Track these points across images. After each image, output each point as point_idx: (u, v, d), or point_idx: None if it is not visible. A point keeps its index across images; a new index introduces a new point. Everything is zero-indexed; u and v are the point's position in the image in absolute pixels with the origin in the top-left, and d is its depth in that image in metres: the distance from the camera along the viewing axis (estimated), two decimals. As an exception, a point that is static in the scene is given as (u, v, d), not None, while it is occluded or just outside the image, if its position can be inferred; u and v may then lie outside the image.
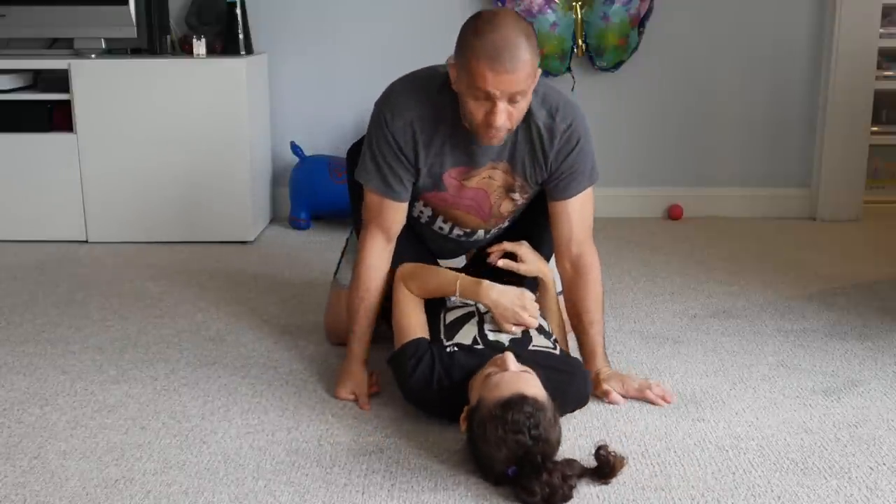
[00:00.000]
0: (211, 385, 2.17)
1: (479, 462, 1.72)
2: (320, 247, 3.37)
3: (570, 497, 1.63)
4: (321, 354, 2.35)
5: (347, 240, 2.49)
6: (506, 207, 2.17)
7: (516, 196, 2.15)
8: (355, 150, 2.30)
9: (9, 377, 2.22)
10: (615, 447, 1.77)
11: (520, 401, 1.66)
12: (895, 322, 2.57)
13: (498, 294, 2.00)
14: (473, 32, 1.86)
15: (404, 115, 2.02)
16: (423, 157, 2.05)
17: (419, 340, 1.97)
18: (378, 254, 2.12)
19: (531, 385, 1.73)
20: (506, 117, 1.88)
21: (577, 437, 1.89)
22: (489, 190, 2.12)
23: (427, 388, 1.90)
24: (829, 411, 2.02)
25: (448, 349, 1.94)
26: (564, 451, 1.73)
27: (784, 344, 2.42)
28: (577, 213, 2.13)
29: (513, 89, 1.85)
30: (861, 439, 1.89)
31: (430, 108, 2.02)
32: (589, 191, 2.14)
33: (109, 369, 2.27)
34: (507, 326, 1.99)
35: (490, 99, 1.86)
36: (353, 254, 2.39)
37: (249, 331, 2.53)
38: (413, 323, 2.02)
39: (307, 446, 1.86)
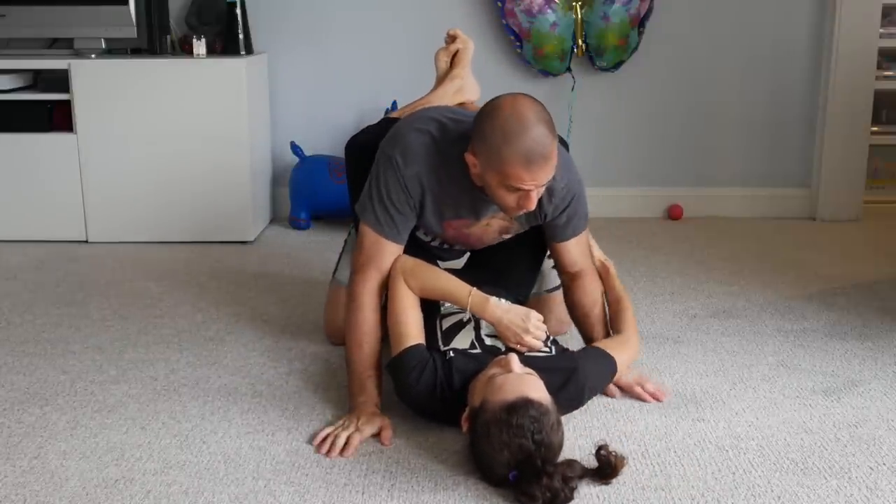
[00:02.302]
0: (211, 385, 2.17)
1: (480, 463, 1.72)
2: (320, 247, 3.37)
3: (571, 499, 1.63)
4: (321, 354, 2.35)
5: (346, 240, 2.49)
6: (499, 240, 2.23)
7: (510, 235, 2.21)
8: (354, 145, 2.29)
9: (9, 377, 2.22)
10: (615, 447, 1.77)
11: (525, 405, 1.66)
12: (895, 322, 2.57)
13: (503, 313, 1.98)
14: (502, 138, 1.83)
15: (415, 165, 2.01)
16: (429, 208, 2.05)
17: (419, 348, 1.93)
18: (374, 297, 2.04)
19: (535, 388, 1.73)
20: (536, 199, 1.91)
21: (577, 437, 1.89)
22: (485, 232, 2.17)
23: (429, 396, 1.90)
24: (829, 411, 2.02)
25: (446, 355, 1.93)
26: (565, 452, 1.73)
27: (784, 344, 2.42)
28: (576, 249, 2.18)
29: (546, 179, 1.89)
30: (861, 439, 1.89)
31: (440, 162, 2.01)
32: (585, 231, 2.20)
33: (109, 369, 2.27)
34: (510, 344, 1.98)
35: (521, 190, 1.87)
36: (352, 253, 2.39)
37: (249, 331, 2.53)
38: (411, 324, 1.98)
39: (307, 446, 1.86)
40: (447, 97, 2.48)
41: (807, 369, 2.26)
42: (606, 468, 1.70)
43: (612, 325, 2.21)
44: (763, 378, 2.20)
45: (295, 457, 1.82)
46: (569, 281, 2.22)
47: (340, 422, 1.90)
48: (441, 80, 2.54)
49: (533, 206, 1.91)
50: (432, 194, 2.03)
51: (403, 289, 2.03)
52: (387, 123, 2.32)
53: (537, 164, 1.83)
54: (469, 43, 2.54)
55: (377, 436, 1.88)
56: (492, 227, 2.15)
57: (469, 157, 1.92)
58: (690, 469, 1.77)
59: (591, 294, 2.19)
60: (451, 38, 2.55)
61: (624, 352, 2.10)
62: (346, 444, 1.83)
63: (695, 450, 1.85)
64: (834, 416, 2.00)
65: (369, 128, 2.39)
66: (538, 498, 1.59)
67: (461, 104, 2.49)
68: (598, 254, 2.33)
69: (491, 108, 1.89)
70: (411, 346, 1.93)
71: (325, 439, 1.85)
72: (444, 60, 2.55)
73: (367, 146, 2.22)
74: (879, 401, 2.08)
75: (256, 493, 1.69)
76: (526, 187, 1.86)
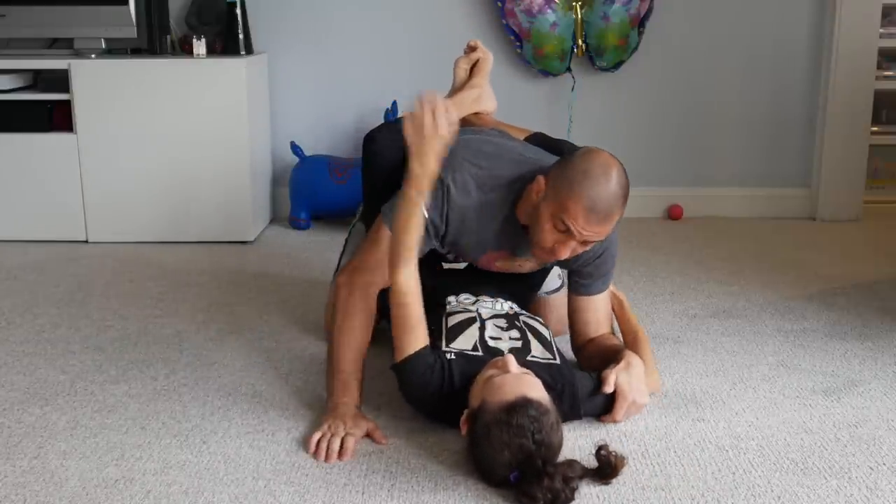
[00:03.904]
0: (211, 385, 2.17)
1: (480, 465, 1.72)
2: (320, 247, 3.37)
3: (572, 499, 1.63)
4: (321, 354, 2.35)
5: (347, 239, 2.49)
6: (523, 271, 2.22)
7: (536, 269, 2.21)
8: (373, 140, 2.28)
9: (9, 377, 2.22)
10: (615, 447, 1.77)
11: (524, 404, 1.66)
12: (895, 322, 2.57)
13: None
14: (584, 172, 1.85)
15: (464, 199, 1.98)
16: (465, 241, 2.04)
17: (426, 352, 1.90)
18: (373, 300, 2.02)
19: (534, 388, 1.73)
20: (570, 252, 1.91)
21: (576, 437, 1.89)
22: (513, 267, 2.16)
23: (434, 397, 1.89)
24: (829, 411, 2.02)
25: (448, 357, 1.92)
26: (564, 452, 1.73)
27: (784, 344, 2.42)
28: (599, 312, 2.16)
29: (593, 238, 1.89)
30: (861, 439, 1.89)
31: (491, 200, 2.00)
32: (608, 290, 2.18)
33: (109, 369, 2.27)
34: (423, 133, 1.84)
35: (568, 233, 1.87)
36: (358, 245, 2.39)
37: (249, 331, 2.53)
38: (417, 326, 1.91)
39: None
40: (465, 105, 2.47)
41: (807, 369, 2.26)
42: (606, 468, 1.70)
43: None
44: (763, 378, 2.20)
45: (295, 457, 1.82)
46: (584, 345, 2.17)
47: (326, 425, 1.87)
48: (458, 88, 2.54)
49: (565, 255, 1.91)
50: (475, 227, 2.01)
51: (407, 281, 1.96)
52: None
53: (597, 214, 1.85)
54: (489, 55, 2.55)
55: (368, 437, 1.87)
56: (524, 267, 2.15)
57: (539, 180, 1.91)
58: (690, 469, 1.77)
59: (607, 340, 2.15)
60: (472, 49, 2.55)
61: None
62: (341, 447, 1.81)
63: (695, 450, 1.85)
64: (834, 416, 2.00)
65: (390, 125, 2.36)
66: (539, 499, 1.59)
67: (477, 114, 2.50)
68: (611, 286, 2.28)
69: (586, 151, 1.91)
70: (421, 350, 1.89)
71: (318, 445, 1.83)
72: (464, 69, 2.55)
73: (386, 145, 2.24)
74: (879, 401, 2.08)
75: (256, 493, 1.69)
76: (573, 230, 1.86)
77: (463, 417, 1.78)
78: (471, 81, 2.54)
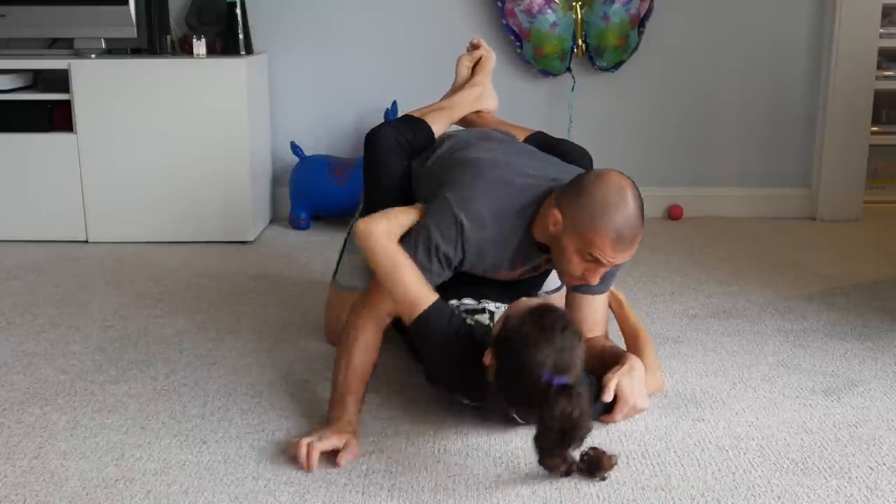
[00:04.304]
0: (211, 385, 2.17)
1: (516, 380, 1.69)
2: (320, 247, 3.37)
3: (589, 430, 1.66)
4: (321, 354, 2.35)
5: (346, 240, 2.48)
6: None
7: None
8: (375, 139, 2.27)
9: (9, 377, 2.22)
10: (615, 447, 1.78)
11: (549, 308, 1.75)
12: (895, 322, 2.57)
13: None
14: (602, 203, 1.84)
15: (480, 232, 1.96)
16: (481, 266, 2.03)
17: (442, 302, 1.90)
18: (382, 323, 1.98)
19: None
20: (601, 276, 1.92)
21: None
22: (522, 274, 2.14)
23: (456, 345, 1.87)
24: (829, 411, 2.02)
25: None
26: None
27: (784, 344, 2.42)
28: (597, 313, 2.14)
29: (622, 261, 1.90)
30: (861, 439, 1.89)
31: (506, 229, 1.99)
32: (608, 293, 2.17)
33: (109, 369, 2.27)
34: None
35: (597, 262, 1.87)
36: (352, 254, 2.39)
37: (249, 331, 2.53)
38: (419, 282, 1.89)
39: (307, 446, 1.86)
40: (466, 103, 2.47)
41: (807, 369, 2.26)
42: (594, 467, 1.72)
43: None
44: (763, 378, 2.20)
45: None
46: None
47: (313, 432, 1.84)
48: (459, 86, 2.54)
49: (595, 282, 1.91)
50: (492, 257, 2.00)
51: (396, 250, 1.94)
52: (410, 122, 2.32)
53: (625, 243, 1.85)
54: (492, 53, 2.55)
55: (333, 452, 1.79)
56: (535, 271, 2.14)
57: (554, 213, 1.90)
58: (690, 469, 1.77)
59: (603, 342, 2.13)
60: (474, 47, 2.56)
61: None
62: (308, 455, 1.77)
63: (695, 450, 1.85)
64: (834, 416, 2.00)
65: (393, 123, 2.36)
66: (570, 412, 1.62)
67: (478, 112, 2.50)
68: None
69: (598, 175, 1.90)
70: (437, 301, 1.88)
71: (296, 448, 1.79)
72: (467, 66, 2.55)
73: (388, 143, 2.24)
74: (879, 401, 2.08)
75: (256, 493, 1.69)
76: (604, 261, 1.86)
77: (487, 352, 1.78)
78: (473, 79, 2.53)
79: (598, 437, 1.88)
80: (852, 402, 2.07)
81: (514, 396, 1.73)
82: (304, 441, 1.79)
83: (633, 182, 1.91)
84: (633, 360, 1.97)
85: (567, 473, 1.71)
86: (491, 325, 1.96)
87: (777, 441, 1.89)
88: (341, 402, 1.90)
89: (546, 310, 1.75)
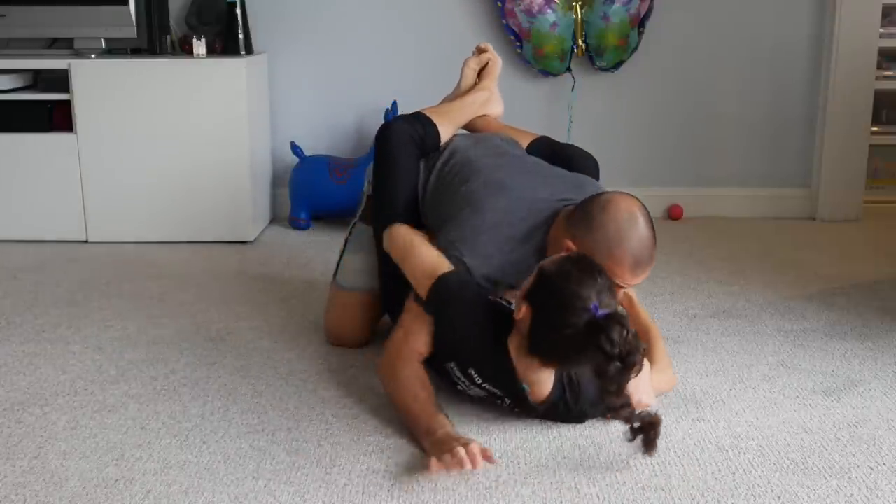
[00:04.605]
0: (211, 385, 2.17)
1: (562, 317, 1.69)
2: (320, 247, 3.37)
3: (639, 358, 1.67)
4: (321, 354, 2.35)
5: (346, 240, 2.48)
6: None
7: None
8: (386, 134, 2.27)
9: (9, 377, 2.22)
10: (615, 447, 1.77)
11: (583, 254, 1.80)
12: (895, 322, 2.57)
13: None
14: (616, 233, 1.85)
15: (488, 267, 1.98)
16: (499, 292, 2.04)
17: (461, 271, 1.92)
18: (421, 370, 1.95)
19: None
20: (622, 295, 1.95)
21: (577, 436, 1.89)
22: None
23: (479, 308, 1.90)
24: (829, 411, 2.02)
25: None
26: (566, 448, 1.73)
27: (784, 344, 2.42)
28: None
29: (641, 281, 1.91)
30: (861, 439, 1.89)
31: (516, 258, 1.99)
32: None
33: (109, 369, 2.27)
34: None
35: (616, 287, 1.87)
36: (353, 254, 2.39)
37: (249, 331, 2.53)
38: (434, 255, 1.94)
39: (307, 446, 1.86)
40: (474, 106, 2.47)
41: (807, 369, 2.26)
42: (649, 427, 1.73)
43: None
44: (763, 378, 2.20)
45: (295, 457, 1.82)
46: None
47: (438, 453, 1.72)
48: (464, 89, 2.54)
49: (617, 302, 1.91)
50: (499, 284, 2.01)
51: (412, 233, 2.04)
52: (421, 119, 2.31)
53: (643, 267, 1.88)
54: (499, 59, 2.56)
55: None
56: None
57: (567, 244, 1.90)
58: (690, 469, 1.77)
59: None
60: (481, 51, 2.56)
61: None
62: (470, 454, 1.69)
63: (695, 450, 1.85)
64: (834, 416, 2.00)
65: (406, 117, 2.35)
66: (616, 343, 1.63)
67: (484, 116, 2.50)
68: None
69: (605, 203, 1.90)
70: (456, 269, 1.92)
71: (444, 461, 1.69)
72: (473, 70, 2.56)
73: (402, 138, 2.25)
74: (879, 401, 2.08)
75: (256, 493, 1.69)
76: (623, 286, 1.87)
77: (520, 294, 1.80)
78: (480, 84, 2.54)
79: (599, 436, 1.88)
80: (852, 402, 2.07)
81: (555, 343, 1.72)
82: (450, 451, 1.68)
83: (639, 200, 1.94)
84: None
85: (629, 420, 1.72)
86: (511, 305, 1.96)
87: (777, 441, 1.89)
88: (432, 421, 1.82)
89: (581, 255, 1.80)
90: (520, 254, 2.00)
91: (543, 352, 1.76)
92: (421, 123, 2.30)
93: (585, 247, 1.87)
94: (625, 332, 1.65)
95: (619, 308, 1.73)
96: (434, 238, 2.09)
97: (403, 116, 2.34)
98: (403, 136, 2.25)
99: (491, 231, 2.00)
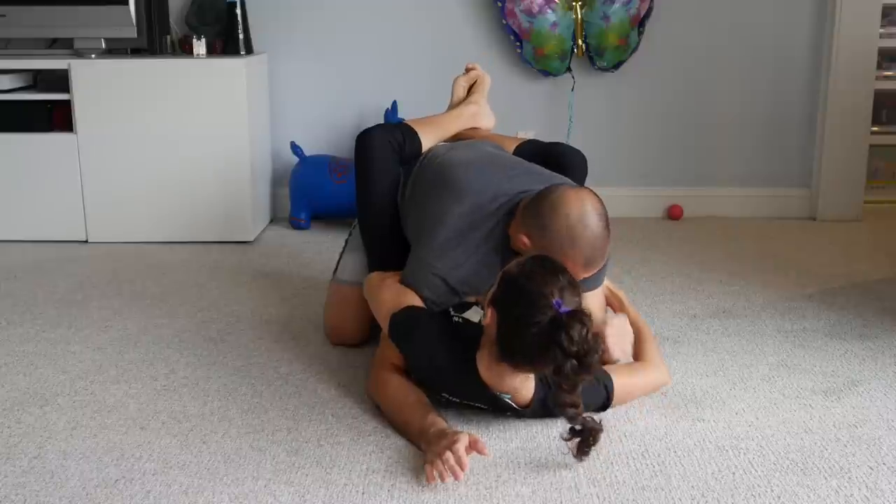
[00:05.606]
0: (211, 385, 2.17)
1: (525, 315, 1.69)
2: (320, 247, 3.37)
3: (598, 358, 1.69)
4: (321, 354, 2.35)
5: (347, 239, 2.49)
6: None
7: None
8: (365, 142, 2.29)
9: (9, 377, 2.22)
10: (615, 447, 1.77)
11: (546, 255, 1.81)
12: (895, 322, 2.57)
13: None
14: (567, 230, 1.87)
15: (459, 270, 2.02)
16: (478, 293, 2.05)
17: (416, 307, 1.97)
18: (399, 377, 2.00)
19: None
20: None
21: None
22: None
23: (444, 332, 1.93)
24: (829, 411, 2.02)
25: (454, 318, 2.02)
26: (566, 448, 1.73)
27: (784, 344, 2.42)
28: (591, 308, 2.13)
29: (595, 272, 1.95)
30: (861, 439, 1.89)
31: (482, 257, 2.03)
32: (601, 289, 2.18)
33: (109, 369, 2.27)
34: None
35: None
36: (353, 252, 2.39)
37: (249, 331, 2.53)
38: (410, 294, 2.00)
39: (307, 446, 1.86)
40: (461, 119, 2.50)
41: (807, 369, 2.26)
42: (587, 433, 1.74)
43: (634, 359, 2.14)
44: (763, 378, 2.20)
45: (295, 457, 1.82)
46: None
47: (430, 456, 1.74)
48: (455, 105, 2.57)
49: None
50: (472, 286, 2.04)
51: (382, 278, 2.09)
52: (401, 127, 2.34)
53: (595, 264, 1.92)
54: (487, 76, 2.61)
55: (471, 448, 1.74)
56: None
57: (521, 238, 1.94)
58: (690, 469, 1.77)
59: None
60: (469, 70, 2.61)
61: (631, 376, 2.05)
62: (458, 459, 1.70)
63: (695, 450, 1.85)
64: (834, 416, 2.00)
65: (384, 125, 2.36)
66: (576, 341, 1.64)
67: (474, 128, 2.52)
68: (607, 282, 2.28)
69: (555, 202, 1.91)
70: (400, 309, 1.95)
71: (439, 470, 1.70)
72: (462, 86, 2.59)
73: (379, 145, 2.26)
74: (879, 401, 2.08)
75: (256, 493, 1.69)
76: (580, 279, 1.88)
77: (486, 299, 1.80)
78: (468, 98, 2.58)
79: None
80: (852, 402, 2.07)
81: (521, 343, 1.72)
82: (440, 456, 1.70)
83: (591, 192, 1.94)
84: (612, 318, 2.06)
85: (573, 420, 1.72)
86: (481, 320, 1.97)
87: (777, 441, 1.89)
88: (424, 422, 1.84)
89: (544, 256, 1.81)
90: (483, 253, 2.03)
91: (512, 355, 1.76)
92: (400, 131, 2.32)
93: (540, 245, 1.90)
94: (584, 331, 1.65)
95: (584, 306, 1.73)
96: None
97: (381, 125, 2.37)
98: (381, 141, 2.27)
99: (457, 238, 2.03)
